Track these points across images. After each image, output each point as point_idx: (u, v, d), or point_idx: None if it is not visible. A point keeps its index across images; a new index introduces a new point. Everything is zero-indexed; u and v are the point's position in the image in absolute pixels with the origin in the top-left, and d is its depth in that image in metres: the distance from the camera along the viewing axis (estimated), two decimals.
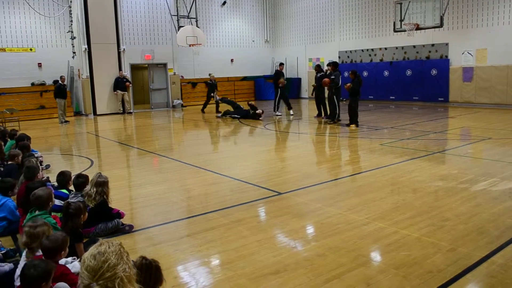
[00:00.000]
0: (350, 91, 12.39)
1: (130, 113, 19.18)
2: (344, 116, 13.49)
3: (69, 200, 4.43)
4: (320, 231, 4.66)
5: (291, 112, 16.08)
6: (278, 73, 15.75)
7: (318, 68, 15.14)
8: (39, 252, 3.21)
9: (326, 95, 14.37)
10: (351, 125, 12.46)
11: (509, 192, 5.79)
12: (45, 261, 2.83)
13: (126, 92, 19.06)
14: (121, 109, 19.11)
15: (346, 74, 17.37)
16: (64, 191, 5.05)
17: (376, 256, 4.05)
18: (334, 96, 13.24)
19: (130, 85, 19.29)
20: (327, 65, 15.17)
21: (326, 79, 13.30)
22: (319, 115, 15.02)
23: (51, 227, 3.39)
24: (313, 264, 3.80)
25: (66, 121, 16.32)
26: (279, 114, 16.04)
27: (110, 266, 1.92)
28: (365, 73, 19.97)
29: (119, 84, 18.85)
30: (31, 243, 3.24)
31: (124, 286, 1.94)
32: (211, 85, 18.08)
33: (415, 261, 3.79)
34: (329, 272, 3.65)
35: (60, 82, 16.45)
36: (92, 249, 2.00)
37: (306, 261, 3.87)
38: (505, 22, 15.82)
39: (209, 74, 18.55)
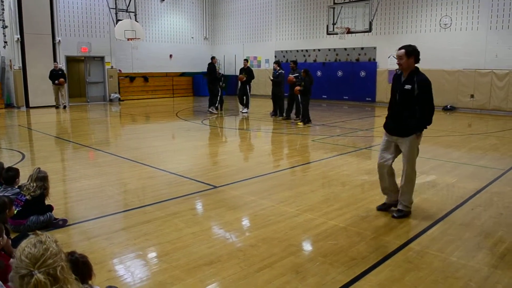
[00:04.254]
0: (302, 89, 12.68)
1: (65, 106, 18.16)
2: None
3: None
4: (253, 222, 4.82)
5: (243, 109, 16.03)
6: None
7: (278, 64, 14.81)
8: None
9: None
10: (299, 123, 12.74)
11: (427, 184, 6.32)
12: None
13: (61, 86, 17.97)
14: (62, 102, 17.87)
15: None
16: None
17: (305, 246, 4.26)
18: (299, 96, 13.18)
19: (65, 83, 17.93)
20: (274, 63, 15.07)
21: (291, 77, 13.34)
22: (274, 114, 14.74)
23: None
24: (246, 254, 3.92)
25: None
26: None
27: (52, 253, 1.93)
28: None
29: (54, 76, 17.54)
30: None
31: (65, 274, 1.96)
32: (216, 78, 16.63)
33: (341, 249, 4.03)
34: (261, 261, 3.78)
35: None
36: (30, 239, 1.98)
37: (239, 252, 3.99)
38: (426, 30, 17.06)
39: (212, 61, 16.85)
